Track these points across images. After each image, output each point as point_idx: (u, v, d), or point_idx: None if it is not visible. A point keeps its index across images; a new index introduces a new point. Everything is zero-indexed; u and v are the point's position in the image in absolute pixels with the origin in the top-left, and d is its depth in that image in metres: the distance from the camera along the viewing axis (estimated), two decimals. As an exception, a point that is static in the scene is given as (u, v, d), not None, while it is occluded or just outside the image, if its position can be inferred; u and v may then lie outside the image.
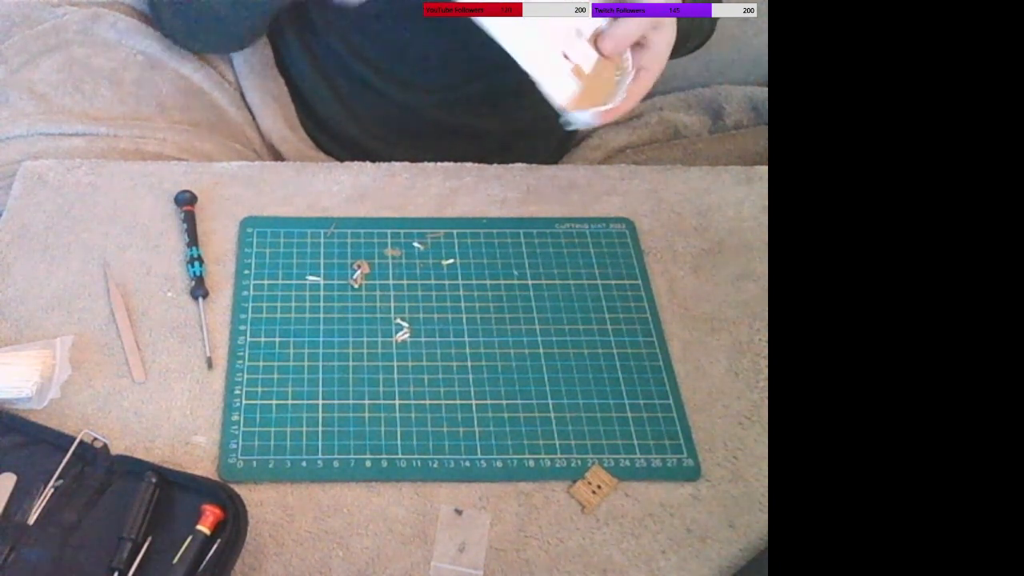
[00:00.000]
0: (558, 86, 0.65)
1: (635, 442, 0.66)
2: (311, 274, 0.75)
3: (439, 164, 0.84)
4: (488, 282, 0.75)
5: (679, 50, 0.72)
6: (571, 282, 0.75)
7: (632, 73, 0.68)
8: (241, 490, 0.61)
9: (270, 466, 0.64)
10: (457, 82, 0.92)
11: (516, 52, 0.64)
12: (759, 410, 0.69)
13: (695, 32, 0.84)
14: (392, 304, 0.73)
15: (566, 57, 0.65)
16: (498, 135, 0.97)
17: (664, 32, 0.69)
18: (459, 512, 0.63)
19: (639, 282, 0.75)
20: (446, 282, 0.75)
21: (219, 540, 0.58)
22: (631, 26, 0.67)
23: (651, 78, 0.69)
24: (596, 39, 0.67)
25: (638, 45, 0.69)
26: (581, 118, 0.66)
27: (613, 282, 0.75)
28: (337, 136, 0.98)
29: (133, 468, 0.61)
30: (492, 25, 0.64)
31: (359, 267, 0.75)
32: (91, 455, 0.62)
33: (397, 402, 0.67)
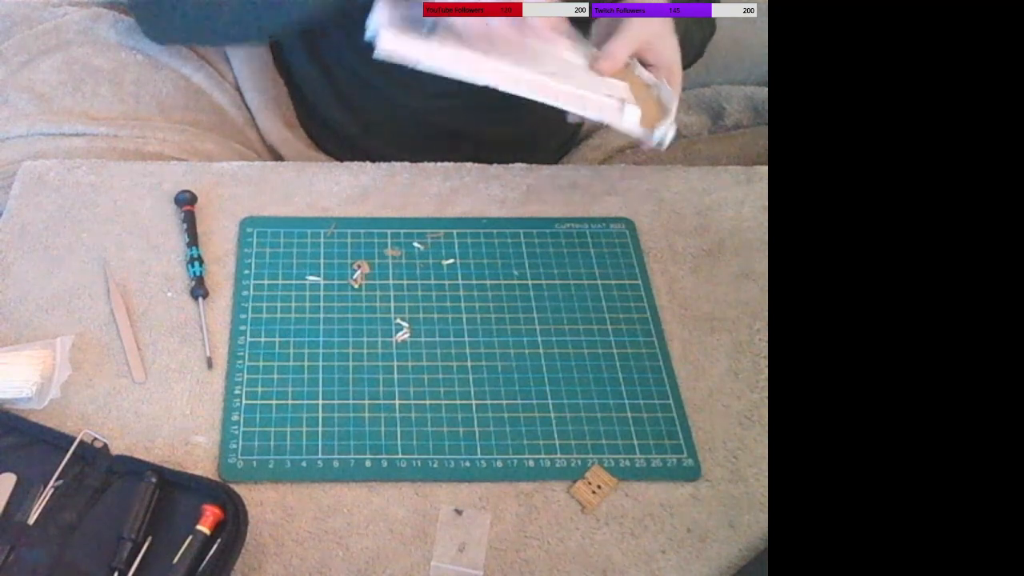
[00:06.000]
0: (625, 118, 0.69)
1: (635, 442, 0.66)
2: (311, 274, 0.75)
3: (439, 164, 0.84)
4: (488, 282, 0.75)
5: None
6: (571, 282, 0.75)
7: (663, 83, 0.71)
8: (241, 490, 0.61)
9: (270, 466, 0.64)
10: (458, 87, 0.92)
11: (579, 110, 0.68)
12: (759, 410, 0.69)
13: (684, 46, 0.85)
14: (392, 304, 0.73)
15: (610, 96, 0.69)
16: (499, 140, 0.96)
17: (662, 45, 0.70)
18: (459, 512, 0.63)
19: (639, 282, 0.75)
20: (446, 282, 0.75)
21: (219, 540, 0.58)
22: (619, 43, 0.70)
23: (676, 85, 0.72)
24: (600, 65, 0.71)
25: (649, 65, 0.71)
26: (667, 135, 0.69)
27: (613, 282, 0.75)
28: (337, 135, 0.98)
29: (133, 468, 0.61)
30: (553, 99, 0.68)
31: (359, 267, 0.75)
32: (91, 455, 0.62)
33: (397, 402, 0.67)
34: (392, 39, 0.65)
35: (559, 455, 0.65)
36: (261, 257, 0.75)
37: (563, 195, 0.82)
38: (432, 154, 0.85)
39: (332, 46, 0.92)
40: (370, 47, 0.90)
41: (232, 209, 0.79)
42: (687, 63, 0.90)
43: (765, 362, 0.71)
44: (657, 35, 0.71)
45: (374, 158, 0.84)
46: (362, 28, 0.70)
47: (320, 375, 0.69)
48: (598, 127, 1.06)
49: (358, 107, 0.95)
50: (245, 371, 0.68)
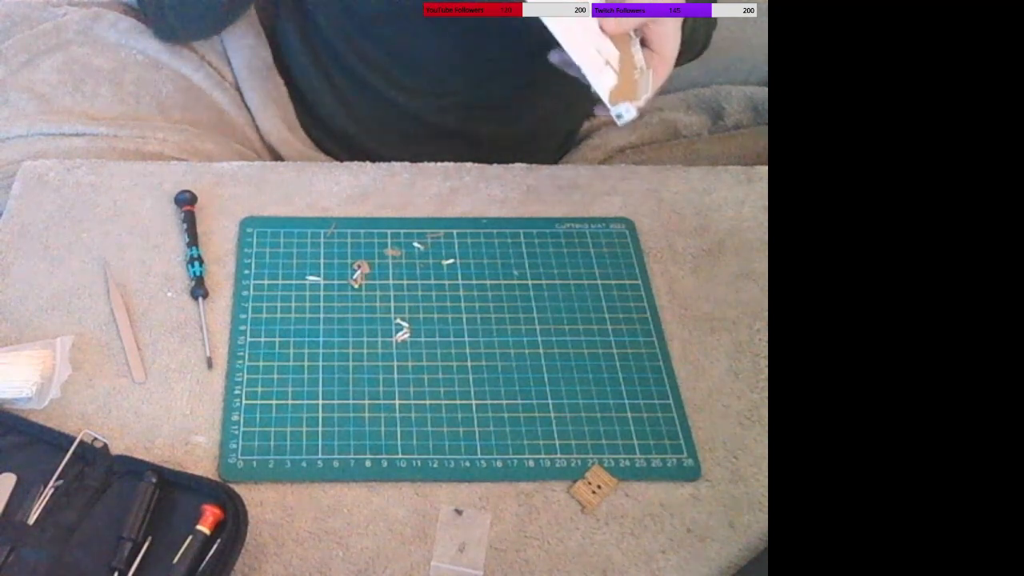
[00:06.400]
0: (601, 78, 0.68)
1: (635, 442, 0.66)
2: (311, 274, 0.75)
3: (439, 164, 0.84)
4: (488, 282, 0.75)
5: (678, 60, 0.73)
6: (571, 282, 0.75)
7: (649, 72, 0.70)
8: (241, 490, 0.61)
9: (270, 466, 0.64)
10: (458, 88, 0.92)
11: (566, 43, 0.67)
12: (759, 410, 0.69)
13: (691, 44, 0.84)
14: (392, 304, 0.73)
15: (599, 53, 0.69)
16: (498, 140, 0.97)
17: (666, 32, 0.69)
18: (459, 512, 0.63)
19: (639, 282, 0.75)
20: (446, 282, 0.75)
21: (219, 540, 0.58)
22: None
23: (660, 79, 0.71)
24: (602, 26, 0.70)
25: (645, 47, 0.70)
26: (627, 113, 0.69)
27: (613, 282, 0.75)
28: (336, 136, 0.98)
29: (133, 468, 0.61)
30: (556, 23, 0.67)
31: (359, 267, 0.75)
32: (91, 455, 0.62)
33: (397, 402, 0.67)
34: None
35: (559, 455, 0.65)
36: (261, 257, 0.75)
37: (563, 195, 0.82)
38: (432, 155, 0.85)
39: (331, 48, 0.92)
40: (368, 49, 0.90)
41: (232, 209, 0.79)
42: (695, 54, 0.90)
43: (765, 362, 0.71)
44: (665, 19, 0.71)
45: (374, 158, 0.84)
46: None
47: (320, 375, 0.69)
48: (598, 127, 1.06)
49: (357, 108, 0.95)
50: (245, 371, 0.68)
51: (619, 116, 0.69)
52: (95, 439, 0.63)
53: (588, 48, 0.68)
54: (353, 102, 0.95)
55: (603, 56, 0.69)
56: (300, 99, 0.98)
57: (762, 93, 1.07)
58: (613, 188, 0.82)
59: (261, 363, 0.69)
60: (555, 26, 0.67)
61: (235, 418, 0.66)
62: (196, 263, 0.73)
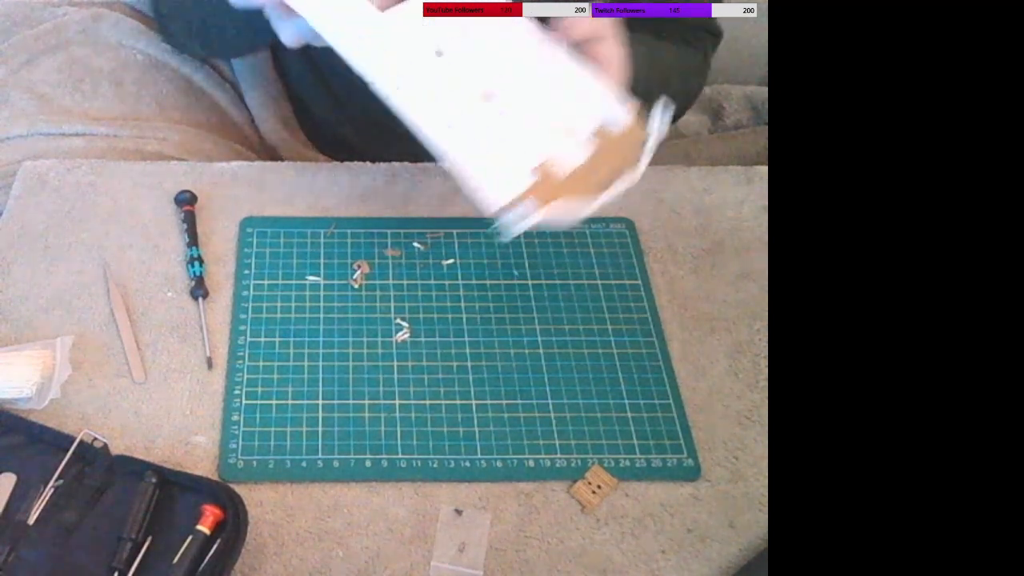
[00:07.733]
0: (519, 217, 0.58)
1: (635, 442, 0.66)
2: (311, 274, 0.75)
3: (439, 164, 0.83)
4: (488, 282, 0.75)
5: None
6: (571, 282, 0.75)
7: (653, 135, 0.63)
8: (241, 490, 0.61)
9: (270, 466, 0.64)
10: None
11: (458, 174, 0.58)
12: (759, 410, 0.69)
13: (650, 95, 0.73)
14: (392, 304, 0.73)
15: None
16: None
17: (605, 43, 0.64)
18: (459, 512, 0.63)
19: (639, 282, 0.75)
20: (446, 282, 0.75)
21: (219, 540, 0.58)
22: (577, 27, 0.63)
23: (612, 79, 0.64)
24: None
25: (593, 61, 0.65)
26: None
27: (613, 282, 0.75)
28: (334, 139, 0.98)
29: (133, 468, 0.61)
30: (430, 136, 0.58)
31: (359, 267, 0.75)
32: (91, 455, 0.62)
33: (397, 402, 0.67)
34: None
35: (559, 455, 0.65)
36: (261, 257, 0.75)
37: (563, 195, 0.82)
38: (428, 157, 0.84)
39: (327, 53, 0.92)
40: None
41: (232, 209, 0.79)
42: (678, 113, 0.86)
43: (765, 362, 0.71)
44: (597, 34, 0.65)
45: (372, 160, 0.84)
46: None
47: (320, 375, 0.69)
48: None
49: (354, 112, 0.95)
50: (245, 371, 0.68)
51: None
52: (95, 439, 0.63)
53: (495, 170, 0.58)
54: (350, 107, 0.95)
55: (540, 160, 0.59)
56: (298, 103, 0.98)
57: (762, 93, 1.07)
58: (613, 188, 0.82)
59: (261, 363, 0.69)
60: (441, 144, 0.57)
61: (235, 418, 0.66)
62: (196, 263, 0.73)
